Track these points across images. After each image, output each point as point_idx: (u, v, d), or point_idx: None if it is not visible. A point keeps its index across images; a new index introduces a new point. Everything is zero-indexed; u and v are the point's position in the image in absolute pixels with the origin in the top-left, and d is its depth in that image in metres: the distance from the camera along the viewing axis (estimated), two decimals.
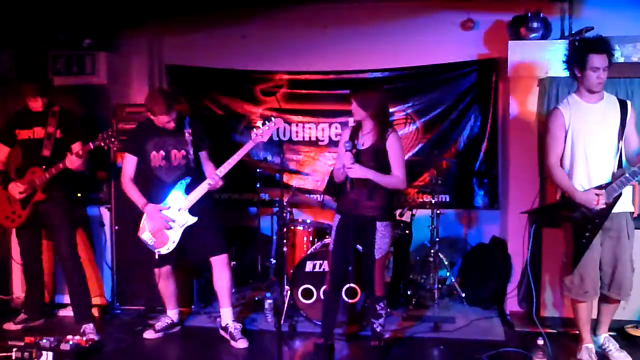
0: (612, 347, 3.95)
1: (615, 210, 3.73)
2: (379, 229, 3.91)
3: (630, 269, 3.82)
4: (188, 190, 4.35)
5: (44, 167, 4.43)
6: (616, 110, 3.78)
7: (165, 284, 4.56)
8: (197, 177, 4.41)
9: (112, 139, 4.32)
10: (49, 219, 4.57)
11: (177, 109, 4.36)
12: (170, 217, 4.32)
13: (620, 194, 3.70)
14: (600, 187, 3.71)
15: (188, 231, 4.37)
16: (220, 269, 4.42)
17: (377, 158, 3.87)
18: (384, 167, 3.89)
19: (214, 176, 4.28)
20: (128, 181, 4.42)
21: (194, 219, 4.34)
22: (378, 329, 4.08)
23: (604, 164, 3.77)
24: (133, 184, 4.42)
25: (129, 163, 4.44)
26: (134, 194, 4.39)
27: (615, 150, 3.76)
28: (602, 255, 3.81)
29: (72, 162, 4.35)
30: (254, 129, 4.36)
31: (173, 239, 4.35)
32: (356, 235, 3.94)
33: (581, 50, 3.73)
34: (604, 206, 3.69)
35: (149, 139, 4.39)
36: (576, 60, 3.75)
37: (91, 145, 4.34)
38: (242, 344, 4.33)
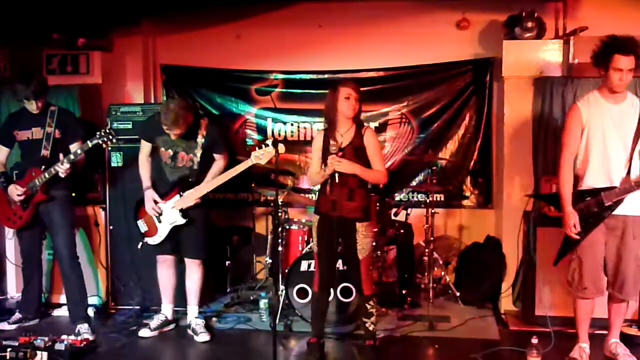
0: (621, 351, 3.92)
1: (622, 212, 3.70)
2: (359, 229, 3.92)
3: (634, 269, 3.75)
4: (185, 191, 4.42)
5: (43, 167, 4.41)
6: (635, 112, 3.69)
7: (166, 273, 4.62)
8: (201, 179, 4.47)
9: (110, 137, 4.31)
10: (50, 218, 4.55)
11: (188, 122, 4.31)
12: (161, 211, 4.41)
13: (621, 199, 3.67)
14: (605, 189, 3.69)
15: (176, 229, 4.45)
16: (191, 269, 4.57)
17: (358, 155, 3.92)
18: (365, 163, 3.93)
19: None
20: (144, 159, 4.51)
21: (182, 221, 4.42)
22: (370, 328, 4.09)
23: (621, 165, 3.70)
24: (148, 164, 4.51)
25: (145, 146, 4.50)
26: (144, 173, 4.50)
27: (630, 153, 3.69)
28: (606, 254, 3.78)
29: (65, 170, 4.33)
30: (255, 150, 4.28)
31: (160, 233, 4.47)
32: (337, 235, 3.95)
33: (607, 49, 3.60)
34: (579, 229, 3.70)
35: (160, 134, 4.40)
36: (601, 57, 3.63)
37: (89, 144, 4.32)
38: (202, 337, 4.45)
